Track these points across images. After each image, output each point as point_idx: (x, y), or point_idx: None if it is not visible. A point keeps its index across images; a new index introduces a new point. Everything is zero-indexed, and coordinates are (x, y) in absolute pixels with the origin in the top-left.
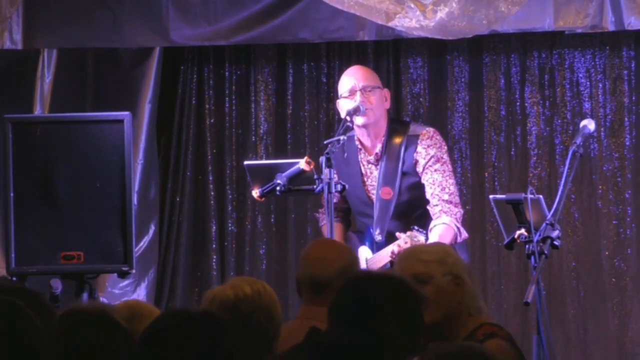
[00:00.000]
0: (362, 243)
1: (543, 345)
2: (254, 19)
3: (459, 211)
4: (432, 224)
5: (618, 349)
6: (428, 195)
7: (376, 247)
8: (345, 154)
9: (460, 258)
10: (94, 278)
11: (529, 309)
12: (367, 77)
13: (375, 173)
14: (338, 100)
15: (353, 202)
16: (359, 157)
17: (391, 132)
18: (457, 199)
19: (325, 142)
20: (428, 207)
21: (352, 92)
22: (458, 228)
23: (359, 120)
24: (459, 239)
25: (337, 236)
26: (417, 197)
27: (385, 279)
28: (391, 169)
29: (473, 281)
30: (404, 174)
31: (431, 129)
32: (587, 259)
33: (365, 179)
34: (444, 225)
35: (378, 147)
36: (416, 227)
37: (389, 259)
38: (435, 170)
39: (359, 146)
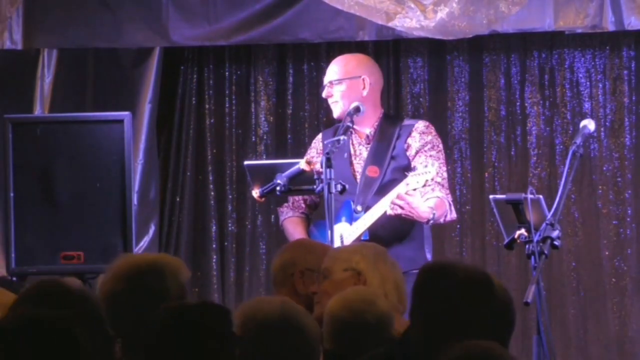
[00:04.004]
0: (322, 233)
1: (543, 345)
2: (254, 19)
3: (449, 194)
4: (424, 197)
5: (618, 349)
6: None
7: (354, 219)
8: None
9: (371, 259)
10: (94, 278)
11: (529, 309)
12: (333, 71)
13: (364, 153)
14: None
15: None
16: (351, 138)
17: (384, 120)
18: (447, 185)
19: (325, 142)
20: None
21: (323, 87)
22: (449, 204)
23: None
24: (447, 217)
25: (302, 230)
26: (401, 180)
27: (459, 270)
28: (381, 150)
29: (397, 287)
30: (392, 157)
31: (427, 122)
32: (587, 259)
33: (354, 159)
34: (437, 198)
35: (369, 131)
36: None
37: (378, 215)
38: (431, 156)
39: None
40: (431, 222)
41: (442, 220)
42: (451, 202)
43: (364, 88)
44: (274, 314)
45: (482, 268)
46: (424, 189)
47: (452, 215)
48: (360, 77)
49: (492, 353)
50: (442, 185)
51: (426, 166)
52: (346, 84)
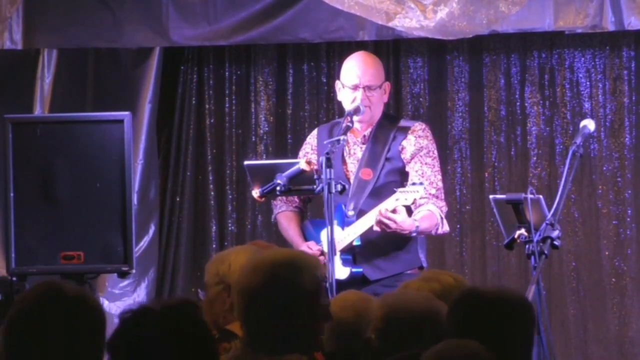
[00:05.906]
0: (317, 231)
1: (543, 345)
2: (254, 19)
3: (444, 206)
4: (416, 210)
5: (618, 349)
6: None
7: (346, 224)
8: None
9: (237, 267)
10: (94, 278)
11: None
12: (373, 75)
13: (359, 153)
14: (338, 82)
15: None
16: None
17: (382, 121)
18: (442, 195)
19: (325, 142)
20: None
21: (354, 88)
22: (441, 218)
23: (355, 117)
24: (439, 230)
25: (295, 224)
26: (395, 182)
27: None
28: (376, 153)
29: None
30: (387, 159)
31: (423, 124)
32: (587, 259)
33: (347, 158)
34: (428, 211)
35: (367, 131)
36: (400, 189)
37: (370, 224)
38: (426, 164)
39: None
40: (414, 234)
41: (433, 232)
42: (444, 215)
43: (385, 93)
44: (420, 308)
45: (517, 292)
46: (420, 200)
47: (445, 228)
48: (385, 82)
49: (473, 351)
50: (437, 197)
51: (417, 182)
52: (380, 90)
